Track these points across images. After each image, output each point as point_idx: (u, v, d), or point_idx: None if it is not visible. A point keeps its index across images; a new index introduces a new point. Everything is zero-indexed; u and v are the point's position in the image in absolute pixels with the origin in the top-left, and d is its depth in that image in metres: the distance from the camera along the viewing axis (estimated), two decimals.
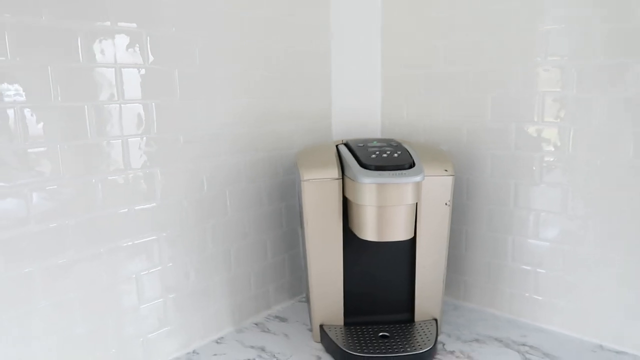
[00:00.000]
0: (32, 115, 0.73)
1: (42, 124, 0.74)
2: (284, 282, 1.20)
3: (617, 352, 0.97)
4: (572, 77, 0.98)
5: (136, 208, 0.89)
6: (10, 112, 0.71)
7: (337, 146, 1.02)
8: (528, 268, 1.10)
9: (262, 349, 1.00)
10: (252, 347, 1.01)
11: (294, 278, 1.23)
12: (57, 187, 0.77)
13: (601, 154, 0.96)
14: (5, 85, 0.70)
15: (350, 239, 0.97)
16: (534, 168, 1.06)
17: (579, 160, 0.99)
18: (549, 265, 1.06)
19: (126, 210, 0.87)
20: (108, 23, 0.80)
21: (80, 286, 0.82)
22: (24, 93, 0.72)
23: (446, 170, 0.96)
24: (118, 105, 0.83)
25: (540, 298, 1.09)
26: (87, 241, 0.82)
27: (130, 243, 0.88)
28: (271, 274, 1.17)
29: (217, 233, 1.03)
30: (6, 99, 0.70)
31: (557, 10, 0.98)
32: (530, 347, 1.00)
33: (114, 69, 0.82)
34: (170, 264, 0.95)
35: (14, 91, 0.71)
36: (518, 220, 1.10)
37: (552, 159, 1.03)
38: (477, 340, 1.02)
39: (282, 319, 1.13)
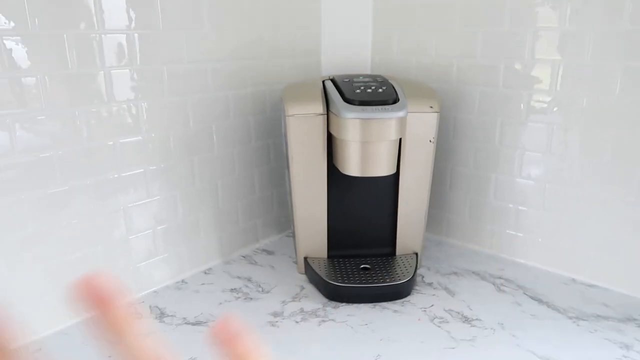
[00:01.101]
0: (16, 44, 0.72)
1: (24, 52, 0.73)
2: (271, 217, 1.23)
3: (589, 285, 1.01)
4: (564, 12, 0.95)
5: (122, 141, 0.89)
6: None
7: (323, 81, 1.01)
8: (510, 206, 1.12)
9: (249, 279, 1.04)
10: (238, 277, 1.05)
11: (282, 213, 1.26)
12: (43, 119, 0.77)
13: (588, 92, 0.96)
14: None
15: (334, 174, 0.98)
16: (522, 106, 1.05)
17: (566, 99, 0.99)
18: (531, 203, 1.09)
19: (112, 143, 0.88)
20: None
21: (70, 217, 0.84)
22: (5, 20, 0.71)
23: (431, 107, 0.96)
24: (98, 35, 0.82)
25: (520, 234, 1.12)
26: (75, 173, 0.83)
27: (116, 175, 0.90)
28: (259, 208, 1.19)
29: (204, 168, 1.04)
30: None
31: None
32: (506, 279, 1.04)
33: None
34: (158, 197, 0.97)
35: None
36: (503, 159, 1.11)
37: (539, 97, 1.03)
38: (455, 274, 1.07)
39: (269, 252, 1.17)
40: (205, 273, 1.07)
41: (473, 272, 1.07)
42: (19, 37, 0.73)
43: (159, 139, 0.95)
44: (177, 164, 0.99)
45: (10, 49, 0.73)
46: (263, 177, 1.18)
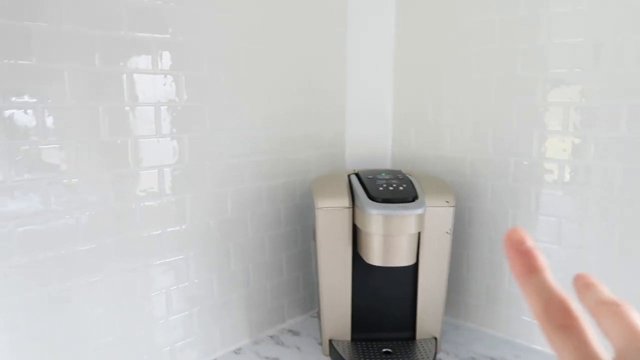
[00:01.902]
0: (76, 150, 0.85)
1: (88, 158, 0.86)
2: (297, 297, 1.30)
3: None
4: (569, 119, 1.06)
5: (168, 230, 1.00)
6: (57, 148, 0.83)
7: (349, 176, 1.12)
8: None
9: None
10: (266, 358, 1.11)
11: (307, 294, 1.33)
12: (102, 210, 0.89)
13: (592, 189, 1.05)
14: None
15: (358, 261, 1.06)
16: (531, 199, 1.14)
17: (572, 195, 1.08)
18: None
19: (160, 232, 0.98)
20: (150, 66, 0.92)
21: (116, 298, 0.93)
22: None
23: (447, 202, 1.05)
24: (156, 139, 0.95)
25: (535, 321, 1.17)
26: (124, 258, 0.93)
27: (162, 261, 0.99)
28: (286, 289, 1.27)
29: (238, 252, 1.14)
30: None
31: (556, 58, 1.07)
32: None
33: (153, 107, 0.94)
34: (196, 280, 1.06)
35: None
36: None
37: (547, 192, 1.12)
38: (472, 358, 1.11)
39: (295, 333, 1.23)
40: (235, 353, 1.13)
41: (490, 358, 1.12)
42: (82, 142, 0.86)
43: (201, 226, 1.05)
44: (215, 248, 1.09)
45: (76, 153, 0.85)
46: (290, 260, 1.27)
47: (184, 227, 1.02)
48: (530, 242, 0.24)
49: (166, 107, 0.96)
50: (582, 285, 0.24)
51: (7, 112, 0.77)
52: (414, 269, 1.09)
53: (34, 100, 0.79)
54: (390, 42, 1.35)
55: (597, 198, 1.05)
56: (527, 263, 0.24)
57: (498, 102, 1.17)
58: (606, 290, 0.23)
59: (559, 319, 0.22)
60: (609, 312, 0.22)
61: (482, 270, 1.25)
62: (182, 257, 1.03)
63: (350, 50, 1.34)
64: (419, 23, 1.29)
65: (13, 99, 0.77)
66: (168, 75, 0.95)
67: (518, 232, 0.24)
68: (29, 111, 0.79)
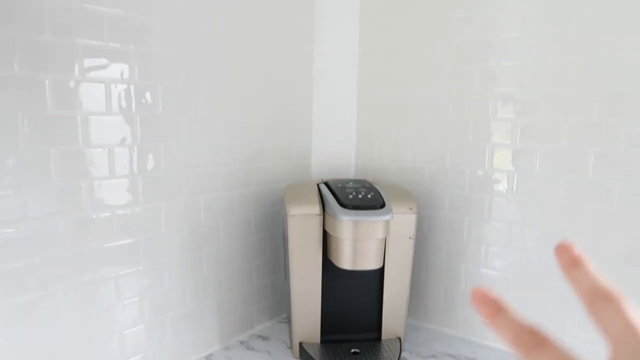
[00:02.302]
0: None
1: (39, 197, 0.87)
2: (266, 304, 1.34)
3: None
4: (517, 133, 1.18)
5: (143, 237, 1.01)
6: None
7: (318, 185, 1.18)
8: None
9: None
10: None
11: (275, 300, 1.37)
12: (76, 217, 0.90)
13: (538, 197, 1.16)
14: None
15: (328, 266, 1.12)
16: (484, 207, 1.24)
17: (522, 203, 1.19)
18: (497, 291, 1.24)
19: (134, 240, 1.00)
20: (125, 84, 0.95)
21: (88, 307, 0.93)
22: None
23: (411, 209, 1.13)
24: (135, 147, 0.97)
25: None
26: (98, 266, 0.94)
27: (135, 269, 1.01)
28: (255, 296, 1.30)
29: (211, 259, 1.16)
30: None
31: (506, 78, 1.18)
32: None
33: (130, 116, 0.96)
34: (169, 287, 1.08)
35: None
36: (471, 252, 1.28)
37: (497, 200, 1.22)
38: (433, 356, 1.19)
39: (264, 338, 1.26)
40: (207, 359, 1.15)
41: (449, 355, 1.20)
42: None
43: (175, 234, 1.07)
44: (189, 256, 1.11)
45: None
46: (260, 268, 1.31)
47: (158, 234, 1.04)
48: (492, 293, 0.27)
49: (139, 116, 0.98)
50: (569, 261, 0.25)
51: None
52: (379, 273, 1.16)
53: None
54: (354, 61, 1.43)
55: (541, 206, 1.16)
56: (492, 307, 0.27)
57: (455, 117, 1.27)
58: (597, 272, 0.24)
59: (529, 342, 0.24)
60: (605, 304, 0.22)
61: (440, 274, 1.34)
62: (156, 264, 1.04)
63: (317, 68, 1.41)
64: (381, 44, 1.38)
65: None
66: (145, 86, 0.98)
67: (481, 289, 0.27)
68: None
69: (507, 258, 1.22)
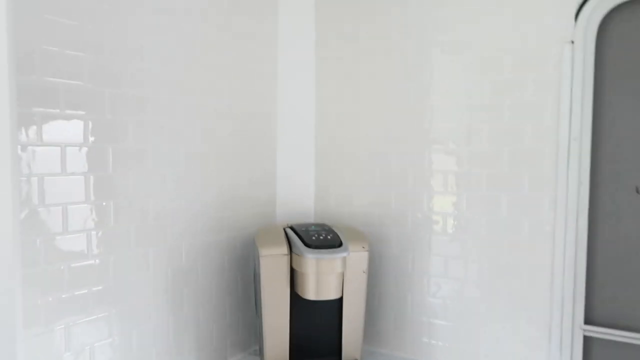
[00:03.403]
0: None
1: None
2: (238, 337, 1.49)
3: None
4: (448, 182, 1.43)
5: (136, 275, 1.16)
6: None
7: (284, 229, 1.37)
8: (424, 319, 1.49)
9: None
10: None
11: (246, 334, 1.52)
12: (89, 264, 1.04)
13: (468, 235, 1.40)
14: None
15: (294, 300, 1.30)
16: (426, 243, 1.47)
17: (455, 240, 1.43)
18: (440, 316, 1.46)
19: (134, 278, 1.15)
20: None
21: (88, 338, 1.06)
22: None
23: (363, 247, 1.34)
24: (128, 201, 1.14)
25: (433, 342, 1.47)
26: (104, 302, 1.08)
27: (128, 305, 1.15)
28: (229, 331, 1.45)
29: (190, 297, 1.31)
30: None
31: (440, 137, 1.44)
32: None
33: (126, 175, 1.13)
34: (156, 323, 1.22)
35: None
36: (416, 282, 1.50)
37: (436, 237, 1.46)
38: None
39: None
40: None
41: None
42: None
43: (161, 275, 1.23)
44: (172, 294, 1.26)
45: None
46: (232, 304, 1.46)
47: (147, 275, 1.19)
48: None
49: (138, 174, 1.15)
50: None
51: None
52: (339, 304, 1.35)
53: None
54: (311, 122, 1.66)
55: (471, 241, 1.40)
56: None
57: (397, 168, 1.51)
58: None
59: None
60: None
61: (390, 302, 1.54)
62: (143, 303, 1.19)
63: (279, 128, 1.63)
64: (334, 108, 1.63)
65: None
66: (140, 150, 1.16)
67: None
68: None
69: (445, 287, 1.44)
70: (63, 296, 1.01)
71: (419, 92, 1.46)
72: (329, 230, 1.33)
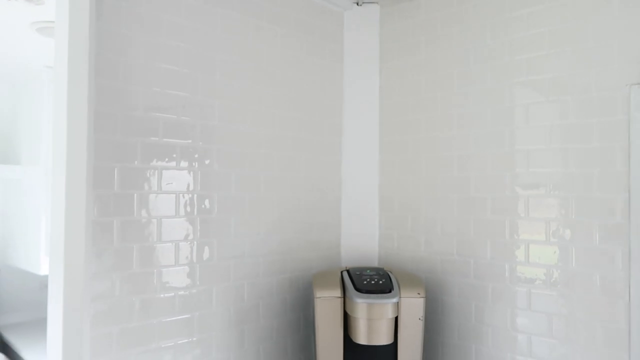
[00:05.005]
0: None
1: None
2: None
3: None
4: (508, 230, 1.38)
5: (197, 314, 1.28)
6: None
7: (341, 272, 1.41)
8: None
9: None
10: None
11: None
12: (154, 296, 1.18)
13: (530, 286, 1.33)
14: None
15: (348, 344, 1.32)
16: (489, 293, 1.42)
17: (519, 290, 1.36)
18: None
19: (189, 315, 1.26)
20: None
21: None
22: None
23: (419, 294, 1.34)
24: (195, 242, 1.27)
25: None
26: (170, 334, 1.20)
27: (189, 339, 1.26)
28: None
29: (251, 334, 1.40)
30: None
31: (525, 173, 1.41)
32: None
33: (192, 218, 1.27)
34: (216, 357, 1.31)
35: None
36: (479, 333, 1.44)
37: (500, 287, 1.40)
38: None
39: None
40: None
41: None
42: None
43: (223, 312, 1.33)
44: (234, 330, 1.35)
45: None
46: (294, 344, 1.52)
47: (210, 311, 1.30)
48: None
49: (199, 218, 1.29)
50: None
51: None
52: (393, 349, 1.34)
53: None
54: (374, 170, 1.71)
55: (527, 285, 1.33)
56: None
57: (459, 216, 1.49)
58: None
59: None
60: None
61: (453, 354, 1.49)
62: (207, 337, 1.29)
63: (344, 175, 1.70)
64: (397, 157, 1.66)
65: None
66: (204, 195, 1.29)
67: None
68: None
69: (510, 339, 1.37)
70: (129, 326, 1.15)
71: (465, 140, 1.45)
72: (383, 274, 1.35)
